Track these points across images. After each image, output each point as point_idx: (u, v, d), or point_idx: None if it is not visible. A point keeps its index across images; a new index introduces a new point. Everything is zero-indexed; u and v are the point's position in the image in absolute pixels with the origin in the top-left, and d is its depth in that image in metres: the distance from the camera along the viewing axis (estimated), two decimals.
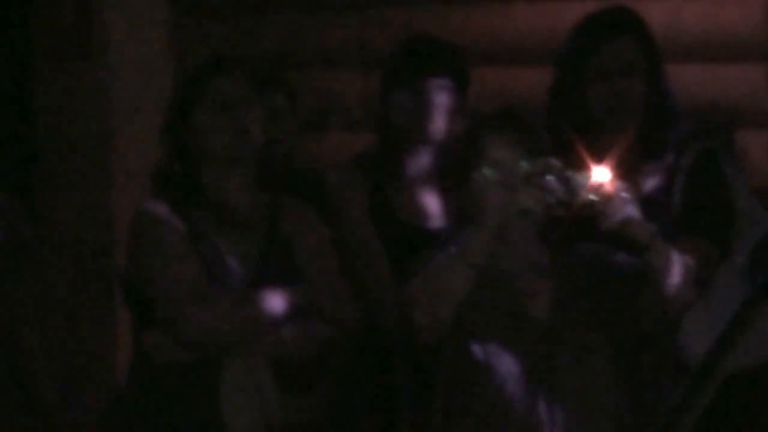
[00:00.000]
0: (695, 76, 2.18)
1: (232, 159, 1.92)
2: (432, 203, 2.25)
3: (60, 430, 2.24)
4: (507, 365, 1.88)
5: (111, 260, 2.32)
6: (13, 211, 2.15)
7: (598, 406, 1.90)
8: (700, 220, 2.09)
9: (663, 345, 2.04)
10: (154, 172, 2.04)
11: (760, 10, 2.27)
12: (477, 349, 1.89)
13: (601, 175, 1.82)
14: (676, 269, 1.86)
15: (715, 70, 2.32)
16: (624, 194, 1.82)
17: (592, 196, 1.80)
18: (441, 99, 2.16)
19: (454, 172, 2.08)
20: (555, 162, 1.82)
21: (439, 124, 2.17)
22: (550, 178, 1.81)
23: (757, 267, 1.49)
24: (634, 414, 1.92)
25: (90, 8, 2.25)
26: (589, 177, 1.82)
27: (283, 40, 2.37)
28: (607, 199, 1.80)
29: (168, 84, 2.31)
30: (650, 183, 2.12)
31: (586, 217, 1.83)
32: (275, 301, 1.92)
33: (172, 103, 2.05)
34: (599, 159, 1.87)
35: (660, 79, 2.12)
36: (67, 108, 2.34)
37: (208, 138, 1.91)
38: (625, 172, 1.92)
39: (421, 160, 2.22)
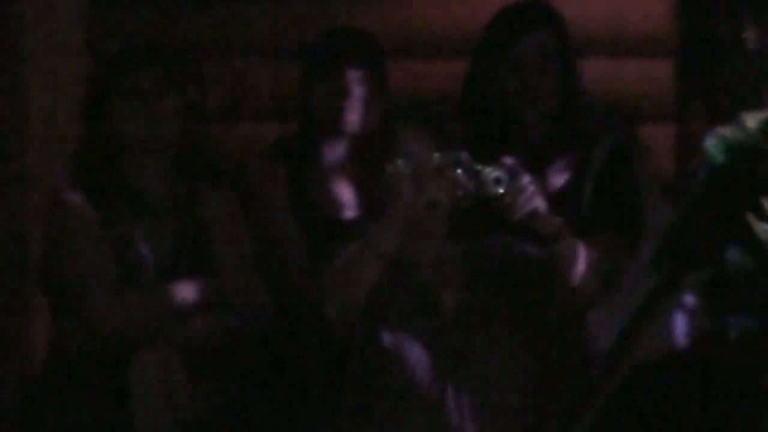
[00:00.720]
0: (600, 71, 2.25)
1: (147, 148, 1.96)
2: (347, 193, 2.30)
3: None
4: (416, 353, 1.91)
5: (26, 249, 2.34)
6: None
7: (505, 394, 1.94)
8: (608, 215, 2.15)
9: (569, 336, 2.05)
10: (70, 161, 2.08)
11: (665, 6, 2.35)
12: (387, 337, 1.91)
13: (510, 168, 1.86)
14: (582, 261, 1.93)
15: (620, 65, 2.39)
16: (532, 187, 1.87)
17: (500, 189, 1.84)
18: (358, 90, 2.19)
19: (369, 163, 2.19)
20: (465, 155, 1.85)
21: (355, 115, 2.20)
22: (459, 171, 1.84)
23: (662, 260, 1.55)
24: (539, 402, 1.95)
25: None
26: (498, 170, 1.86)
27: (197, 30, 2.42)
28: (515, 192, 1.84)
29: (83, 74, 2.33)
30: (560, 177, 2.17)
31: (495, 210, 1.87)
32: (186, 292, 1.95)
33: (88, 93, 2.07)
34: (510, 152, 1.93)
35: (574, 75, 2.17)
36: None
37: (123, 127, 1.95)
38: (534, 165, 2.02)
39: (338, 150, 2.25)
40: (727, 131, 0.95)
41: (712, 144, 0.82)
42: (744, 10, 2.29)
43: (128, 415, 1.86)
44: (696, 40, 2.35)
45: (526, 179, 1.86)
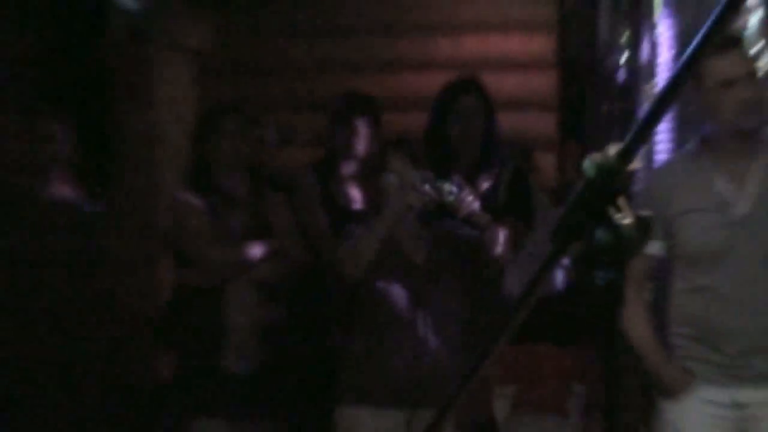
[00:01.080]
0: (508, 121, 3.09)
1: (235, 165, 2.79)
2: (356, 194, 3.02)
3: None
4: (398, 295, 2.51)
5: (157, 228, 3.33)
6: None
7: (453, 320, 2.53)
8: (515, 208, 2.83)
9: (493, 286, 2.74)
10: (184, 175, 2.93)
11: (552, 82, 3.30)
12: (379, 284, 2.51)
13: (458, 183, 2.44)
14: (501, 239, 2.55)
15: (522, 118, 3.36)
16: (471, 196, 2.47)
17: (452, 197, 2.40)
18: (363, 130, 2.93)
19: (370, 176, 2.79)
20: (430, 174, 2.43)
21: (362, 146, 2.96)
22: (427, 185, 2.40)
23: (555, 236, 2.16)
24: (474, 327, 2.55)
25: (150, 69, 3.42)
26: (451, 184, 2.41)
27: (266, 94, 3.49)
28: (461, 199, 2.43)
29: (194, 117, 3.36)
30: (484, 186, 2.86)
31: (449, 209, 2.46)
32: (257, 249, 2.76)
33: (196, 129, 2.92)
34: (456, 172, 2.58)
35: (492, 121, 2.87)
36: (133, 135, 3.51)
37: (218, 152, 2.77)
38: (470, 180, 2.68)
39: (350, 167, 3.00)
40: (597, 156, 1.13)
41: (587, 164, 1.06)
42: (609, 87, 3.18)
43: (223, 324, 2.63)
44: (570, 104, 3.32)
45: (467, 191, 2.44)
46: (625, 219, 0.85)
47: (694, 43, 0.77)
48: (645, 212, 0.85)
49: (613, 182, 0.83)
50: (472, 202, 2.49)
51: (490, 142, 2.91)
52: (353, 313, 2.64)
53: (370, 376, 2.54)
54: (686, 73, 0.84)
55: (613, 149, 0.86)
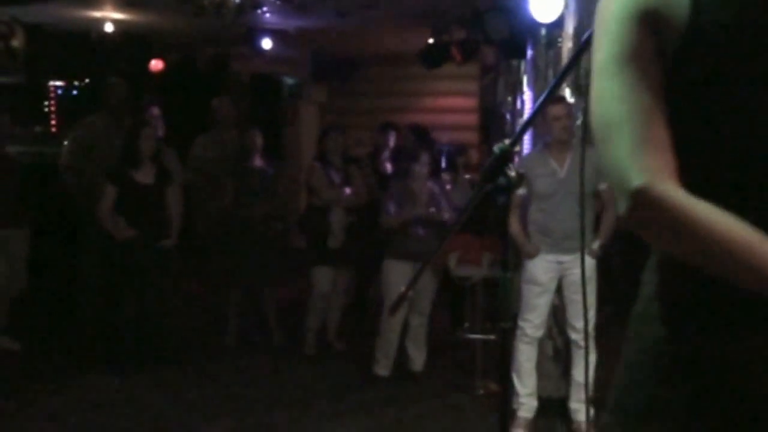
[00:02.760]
0: (457, 135, 7.29)
1: (336, 154, 7.04)
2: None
3: None
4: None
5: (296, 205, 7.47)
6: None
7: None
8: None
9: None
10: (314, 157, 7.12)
11: (474, 118, 7.31)
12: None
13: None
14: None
15: (462, 133, 7.38)
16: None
17: None
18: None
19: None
20: None
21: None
22: None
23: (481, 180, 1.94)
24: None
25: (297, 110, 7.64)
26: None
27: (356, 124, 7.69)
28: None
29: (315, 134, 7.60)
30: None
31: None
32: (346, 191, 6.45)
33: (318, 140, 7.20)
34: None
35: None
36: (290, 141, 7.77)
37: (331, 148, 7.05)
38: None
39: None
40: (499, 145, 1.54)
41: (495, 147, 1.52)
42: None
43: None
44: (484, 127, 7.26)
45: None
46: (512, 173, 1.57)
47: (544, 94, 1.73)
48: (521, 171, 1.61)
49: (507, 156, 1.54)
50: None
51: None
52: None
53: (398, 244, 5.37)
54: (539, 110, 1.93)
55: (506, 142, 1.61)
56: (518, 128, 5.28)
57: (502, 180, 1.56)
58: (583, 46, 1.40)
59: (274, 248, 6.05)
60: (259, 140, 6.01)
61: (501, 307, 1.83)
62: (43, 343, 5.96)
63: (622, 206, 1.15)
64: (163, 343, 5.59)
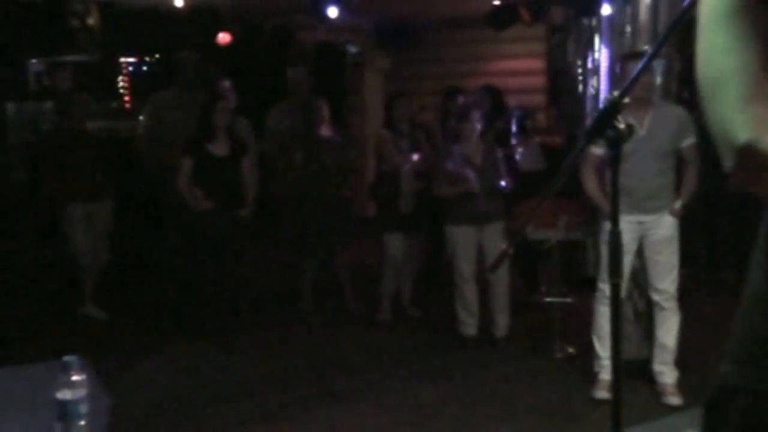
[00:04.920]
0: (523, 98, 7.28)
1: (404, 120, 7.09)
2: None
3: None
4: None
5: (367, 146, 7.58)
6: None
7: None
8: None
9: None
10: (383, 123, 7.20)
11: (542, 80, 7.25)
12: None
13: None
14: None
15: (529, 97, 7.31)
16: None
17: None
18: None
19: None
20: None
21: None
22: None
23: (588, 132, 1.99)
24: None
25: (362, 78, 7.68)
26: None
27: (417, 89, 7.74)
28: None
29: (380, 101, 7.64)
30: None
31: None
32: (412, 156, 6.87)
33: (385, 106, 7.27)
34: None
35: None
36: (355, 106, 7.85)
37: (398, 116, 7.06)
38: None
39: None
40: (608, 96, 1.61)
41: (604, 99, 1.55)
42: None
43: None
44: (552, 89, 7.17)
45: None
46: (621, 125, 1.57)
47: (655, 46, 2.31)
48: (630, 122, 1.61)
49: (616, 107, 1.53)
50: None
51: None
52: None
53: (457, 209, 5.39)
54: (657, 52, 2.53)
55: (615, 93, 1.59)
56: (605, 84, 5.43)
57: (610, 133, 1.55)
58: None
59: (345, 215, 6.10)
60: (326, 110, 6.04)
61: (611, 264, 1.82)
62: (128, 311, 6.17)
63: (729, 163, 1.11)
64: (241, 310, 5.73)
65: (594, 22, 6.14)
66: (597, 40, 6.53)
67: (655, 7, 4.98)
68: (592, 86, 6.57)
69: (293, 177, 5.96)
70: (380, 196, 5.97)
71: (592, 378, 4.38)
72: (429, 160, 5.86)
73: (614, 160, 1.56)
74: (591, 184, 4.27)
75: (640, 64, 4.50)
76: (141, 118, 6.20)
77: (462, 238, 5.18)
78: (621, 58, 4.65)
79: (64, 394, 1.69)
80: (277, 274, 7.01)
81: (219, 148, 5.43)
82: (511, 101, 6.86)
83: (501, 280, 5.29)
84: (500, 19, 7.22)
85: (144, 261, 6.72)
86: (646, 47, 5.43)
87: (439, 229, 5.86)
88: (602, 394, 4.28)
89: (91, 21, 6.15)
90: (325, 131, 6.04)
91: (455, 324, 5.35)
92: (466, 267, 5.24)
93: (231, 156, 5.47)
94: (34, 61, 7.98)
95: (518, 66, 8.57)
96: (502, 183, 5.17)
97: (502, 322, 5.36)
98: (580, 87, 6.86)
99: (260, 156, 6.15)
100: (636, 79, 1.81)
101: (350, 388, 4.68)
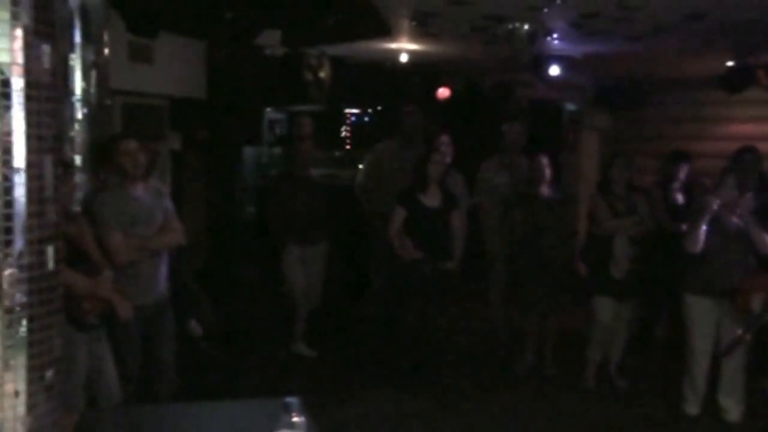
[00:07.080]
0: None
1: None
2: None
3: None
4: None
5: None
6: None
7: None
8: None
9: None
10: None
11: None
12: None
13: None
14: None
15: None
16: None
17: None
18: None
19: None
20: None
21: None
22: None
23: None
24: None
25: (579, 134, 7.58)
26: None
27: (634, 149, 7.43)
28: None
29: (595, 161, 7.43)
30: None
31: None
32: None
33: (604, 165, 7.04)
34: None
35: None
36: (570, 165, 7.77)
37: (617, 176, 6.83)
38: None
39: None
40: None
41: None
42: None
43: None
44: None
45: None
46: None
47: None
48: None
49: None
50: None
51: None
52: None
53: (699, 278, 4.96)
54: None
55: None
56: None
57: None
58: None
59: (561, 276, 5.93)
60: (547, 169, 5.94)
61: None
62: (335, 352, 6.36)
63: None
64: (444, 364, 5.72)
65: None
66: None
67: None
68: None
69: (510, 234, 5.92)
70: (591, 258, 5.76)
71: None
72: (646, 224, 5.59)
73: None
74: None
75: None
76: (361, 166, 6.46)
77: (700, 311, 4.84)
78: None
79: None
80: (484, 329, 6.93)
81: (430, 199, 5.53)
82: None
83: (732, 361, 4.87)
84: (735, 81, 6.80)
85: (353, 304, 6.91)
86: None
87: (658, 299, 5.56)
88: None
89: (322, 74, 6.54)
90: (544, 190, 5.94)
91: (678, 400, 5.00)
92: (701, 344, 4.91)
93: (442, 208, 5.55)
94: (268, 110, 8.56)
95: (751, 131, 8.00)
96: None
97: (734, 408, 4.94)
98: None
99: (472, 209, 6.18)
100: None
101: None
